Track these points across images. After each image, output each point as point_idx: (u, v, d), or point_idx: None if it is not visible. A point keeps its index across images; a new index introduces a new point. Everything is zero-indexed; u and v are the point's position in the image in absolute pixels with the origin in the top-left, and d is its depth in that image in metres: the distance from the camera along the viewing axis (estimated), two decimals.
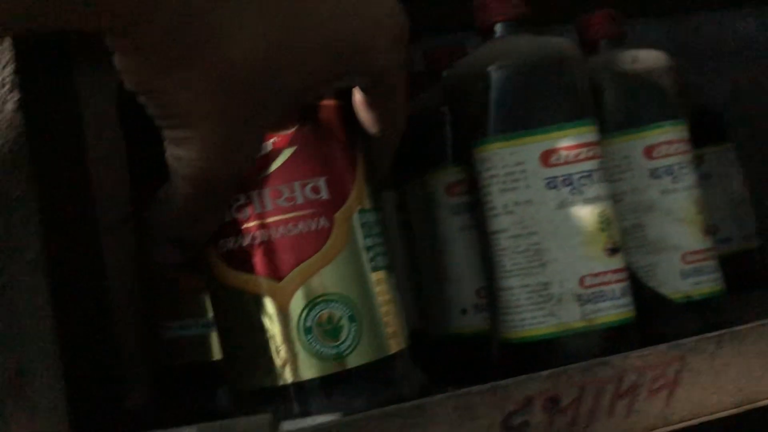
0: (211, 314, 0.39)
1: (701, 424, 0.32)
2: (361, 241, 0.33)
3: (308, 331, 0.31)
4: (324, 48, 0.30)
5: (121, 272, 0.52)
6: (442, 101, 0.48)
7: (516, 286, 0.41)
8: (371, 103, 0.34)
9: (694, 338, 0.32)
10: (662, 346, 0.32)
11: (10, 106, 0.26)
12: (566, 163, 0.41)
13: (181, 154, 0.30)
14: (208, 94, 0.29)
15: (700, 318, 0.45)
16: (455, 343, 0.48)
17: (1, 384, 0.25)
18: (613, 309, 0.40)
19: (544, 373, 0.30)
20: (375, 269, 0.33)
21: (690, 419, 0.31)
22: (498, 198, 0.41)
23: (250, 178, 0.32)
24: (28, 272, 0.25)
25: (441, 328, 0.49)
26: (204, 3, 0.28)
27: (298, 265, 0.31)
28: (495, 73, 0.41)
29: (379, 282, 0.33)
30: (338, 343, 0.31)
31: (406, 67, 0.34)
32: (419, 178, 0.49)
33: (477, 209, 0.43)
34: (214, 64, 0.28)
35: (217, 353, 0.39)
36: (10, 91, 0.26)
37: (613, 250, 0.41)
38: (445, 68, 0.52)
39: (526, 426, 0.29)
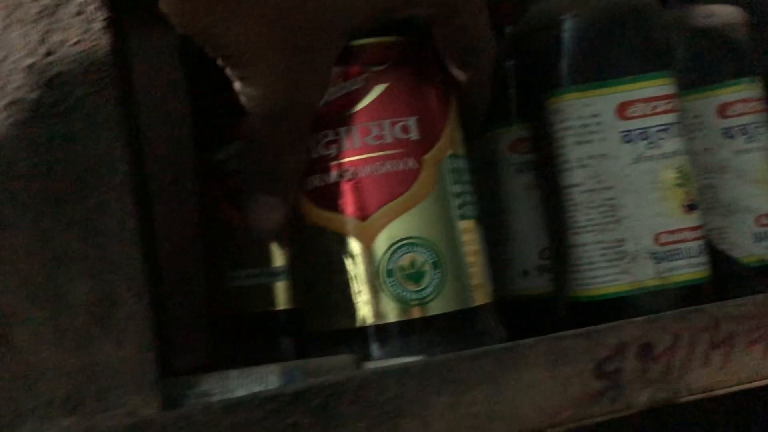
0: (276, 263, 0.38)
1: None
2: (450, 187, 0.32)
3: (390, 273, 0.30)
4: None
5: (172, 233, 0.51)
6: (505, 56, 0.46)
7: (589, 242, 0.39)
8: (445, 37, 0.33)
9: None
10: (759, 296, 0.30)
11: (97, 25, 0.25)
12: (643, 115, 0.39)
13: (247, 92, 0.30)
14: (260, 27, 0.28)
15: None
16: (516, 305, 0.47)
17: (89, 310, 0.24)
18: (689, 267, 0.39)
19: (639, 319, 0.29)
20: (463, 217, 0.32)
21: None
22: (572, 151, 0.40)
23: (339, 114, 0.31)
24: (116, 195, 0.24)
25: (501, 291, 0.48)
26: None
27: (383, 205, 0.30)
28: (570, 22, 0.40)
29: (466, 231, 0.32)
30: (420, 288, 0.30)
31: None
32: (480, 135, 0.48)
33: (545, 165, 0.42)
34: (263, 7, 0.27)
35: (281, 302, 0.38)
36: (98, 9, 0.25)
37: (691, 207, 0.40)
38: (506, 24, 0.50)
39: (618, 373, 0.28)
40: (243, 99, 0.30)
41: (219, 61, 0.29)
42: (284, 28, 0.28)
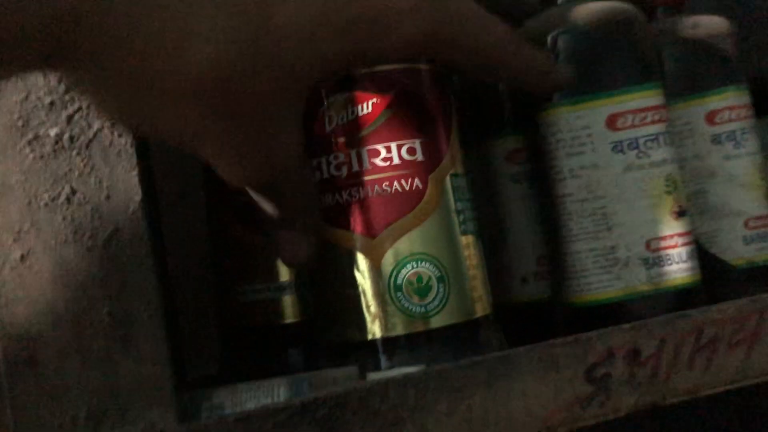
0: (283, 278, 0.40)
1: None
2: (453, 204, 0.34)
3: (398, 288, 0.32)
4: (312, 40, 0.27)
5: (180, 247, 0.53)
6: None
7: (582, 250, 0.41)
8: (456, 63, 0.33)
9: None
10: (741, 301, 0.32)
11: None
12: (632, 126, 0.41)
13: (218, 169, 0.29)
14: (199, 115, 0.25)
15: (763, 284, 0.45)
16: (515, 312, 0.48)
17: (108, 332, 0.26)
18: (680, 272, 0.40)
19: (626, 325, 0.30)
20: (464, 233, 0.34)
21: None
22: (564, 162, 0.41)
23: (349, 137, 0.33)
24: (131, 223, 0.26)
25: (501, 298, 0.49)
26: (131, 29, 0.23)
27: (391, 223, 0.32)
28: (561, 38, 0.41)
29: (467, 246, 0.34)
30: (426, 302, 0.32)
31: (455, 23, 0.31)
32: (477, 146, 0.49)
33: (540, 175, 0.43)
34: (179, 87, 0.24)
35: (288, 316, 0.40)
36: None
37: (680, 213, 0.41)
38: None
39: (608, 378, 0.29)
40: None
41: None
42: (229, 110, 0.26)
